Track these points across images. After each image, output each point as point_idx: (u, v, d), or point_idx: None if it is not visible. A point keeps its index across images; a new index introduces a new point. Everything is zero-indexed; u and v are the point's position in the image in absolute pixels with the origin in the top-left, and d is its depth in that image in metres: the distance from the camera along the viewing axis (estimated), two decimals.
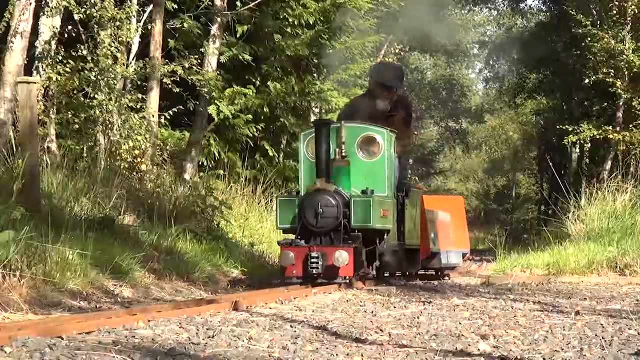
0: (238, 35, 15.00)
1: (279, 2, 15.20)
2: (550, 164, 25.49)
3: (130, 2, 11.93)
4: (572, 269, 10.76)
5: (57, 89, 10.96)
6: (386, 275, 9.56)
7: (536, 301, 7.21)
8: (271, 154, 15.55)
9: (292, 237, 8.34)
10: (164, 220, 10.02)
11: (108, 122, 11.24)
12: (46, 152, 10.38)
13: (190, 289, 8.36)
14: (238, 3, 14.64)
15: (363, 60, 17.46)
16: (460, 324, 5.31)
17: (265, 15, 15.04)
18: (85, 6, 11.20)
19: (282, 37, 15.27)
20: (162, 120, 13.12)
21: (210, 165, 14.48)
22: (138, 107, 12.02)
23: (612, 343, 4.44)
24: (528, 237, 21.83)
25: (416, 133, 44.29)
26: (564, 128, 21.26)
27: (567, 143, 21.80)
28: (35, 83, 8.43)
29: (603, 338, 4.61)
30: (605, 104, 22.70)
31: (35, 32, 10.73)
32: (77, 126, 11.17)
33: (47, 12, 10.99)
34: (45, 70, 10.97)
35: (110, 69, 11.12)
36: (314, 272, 7.93)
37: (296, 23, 15.28)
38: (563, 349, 4.25)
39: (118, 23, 11.42)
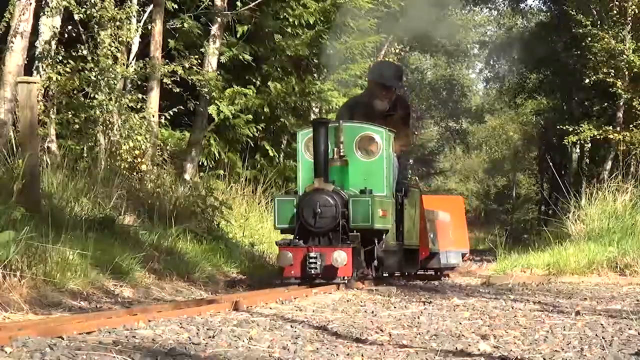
0: (238, 35, 15.00)
1: (279, 2, 15.20)
2: (550, 164, 25.51)
3: (130, 2, 11.93)
4: (572, 269, 10.75)
5: (57, 88, 10.96)
6: (385, 275, 9.54)
7: (536, 301, 7.20)
8: (271, 154, 15.55)
9: (290, 237, 8.28)
10: (164, 220, 10.01)
11: (108, 122, 11.23)
12: (46, 152, 10.38)
13: (191, 289, 8.35)
14: (238, 3, 14.64)
15: (363, 60, 17.42)
16: (460, 323, 5.31)
17: (265, 15, 15.04)
18: (85, 6, 11.20)
19: (282, 37, 15.26)
20: (162, 120, 13.12)
21: (210, 165, 14.47)
22: (138, 107, 12.02)
23: (612, 343, 4.44)
24: (528, 237, 21.80)
25: (416, 133, 44.33)
26: (564, 128, 21.26)
27: (567, 143, 21.81)
28: (35, 83, 8.42)
29: (603, 338, 4.61)
30: (606, 104, 22.71)
31: (35, 32, 10.73)
32: (77, 126, 11.17)
33: (47, 12, 10.99)
34: (45, 70, 10.97)
35: (110, 69, 11.12)
36: (312, 272, 7.87)
37: (296, 23, 15.28)
38: (563, 349, 4.26)
39: (118, 23, 11.42)
